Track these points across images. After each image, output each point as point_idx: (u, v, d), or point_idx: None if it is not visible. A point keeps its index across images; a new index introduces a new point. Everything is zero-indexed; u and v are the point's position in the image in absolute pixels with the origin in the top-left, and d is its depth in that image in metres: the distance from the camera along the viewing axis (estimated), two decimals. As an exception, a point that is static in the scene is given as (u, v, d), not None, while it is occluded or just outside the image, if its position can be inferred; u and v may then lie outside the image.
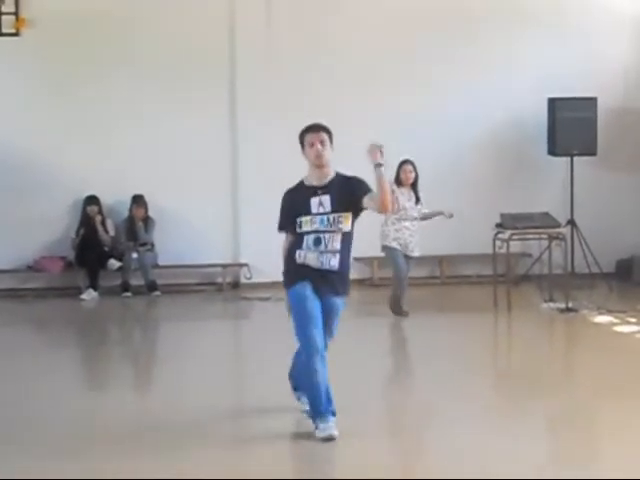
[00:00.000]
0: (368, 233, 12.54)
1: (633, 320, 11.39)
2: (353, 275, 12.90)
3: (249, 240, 13.61)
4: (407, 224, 11.69)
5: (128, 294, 13.48)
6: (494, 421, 7.72)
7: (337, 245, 7.08)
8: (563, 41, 14.10)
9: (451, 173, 13.98)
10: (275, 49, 13.70)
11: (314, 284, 7.06)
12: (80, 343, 11.60)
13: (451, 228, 13.64)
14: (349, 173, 7.24)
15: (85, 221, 13.69)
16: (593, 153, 13.73)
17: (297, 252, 7.09)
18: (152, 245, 13.73)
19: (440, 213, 11.94)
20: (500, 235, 12.23)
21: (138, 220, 13.67)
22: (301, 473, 6.72)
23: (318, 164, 7.11)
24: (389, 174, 11.30)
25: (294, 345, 7.27)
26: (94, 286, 13.43)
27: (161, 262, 13.77)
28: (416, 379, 9.37)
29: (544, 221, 12.36)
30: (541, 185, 14.09)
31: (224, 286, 13.77)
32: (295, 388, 7.59)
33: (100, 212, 13.68)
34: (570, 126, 13.55)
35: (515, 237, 12.25)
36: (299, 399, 7.51)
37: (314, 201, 7.07)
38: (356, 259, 13.38)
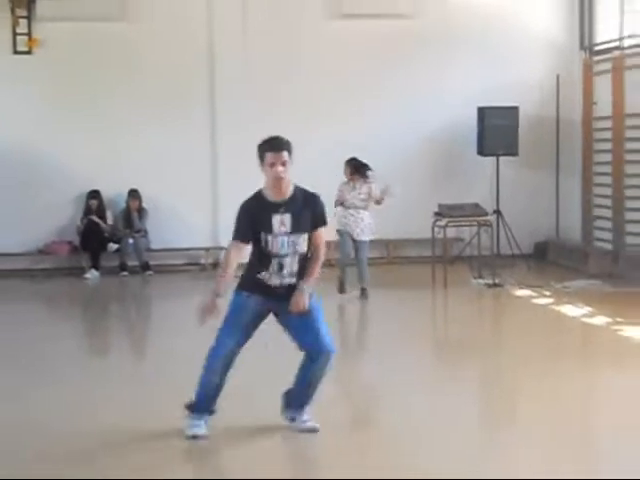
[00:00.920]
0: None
1: (548, 294, 11.43)
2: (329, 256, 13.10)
3: (227, 226, 13.42)
4: (352, 211, 11.50)
5: (125, 273, 13.38)
6: (430, 383, 7.69)
7: (295, 268, 5.99)
8: (489, 60, 14.12)
9: (397, 170, 13.90)
10: (251, 59, 13.63)
11: (270, 292, 6.01)
12: (84, 315, 11.51)
13: (397, 216, 13.70)
14: (309, 188, 6.13)
15: (88, 211, 13.58)
16: (515, 154, 13.73)
17: (263, 273, 5.99)
18: (145, 232, 13.63)
19: (385, 192, 11.60)
20: (438, 222, 12.22)
21: (133, 210, 13.57)
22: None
23: (278, 186, 5.95)
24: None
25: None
26: (96, 267, 13.32)
27: (153, 246, 13.68)
28: (361, 347, 9.28)
29: (474, 211, 12.38)
30: (472, 180, 14.09)
31: (207, 266, 13.69)
32: (287, 405, 6.24)
33: (100, 204, 13.58)
34: (496, 131, 13.54)
35: (450, 224, 12.24)
36: (293, 420, 6.19)
37: (276, 219, 5.94)
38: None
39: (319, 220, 6.07)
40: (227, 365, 6.01)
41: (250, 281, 6.06)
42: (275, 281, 6.00)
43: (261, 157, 5.97)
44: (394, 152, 13.96)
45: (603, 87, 13.41)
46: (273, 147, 5.96)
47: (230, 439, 6.06)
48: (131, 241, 13.43)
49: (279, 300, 6.01)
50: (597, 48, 13.93)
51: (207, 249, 13.78)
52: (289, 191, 6.00)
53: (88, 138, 13.58)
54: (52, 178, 13.49)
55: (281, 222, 5.94)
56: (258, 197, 6.04)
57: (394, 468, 5.55)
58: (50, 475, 5.50)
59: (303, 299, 5.94)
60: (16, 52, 13.45)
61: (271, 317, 6.12)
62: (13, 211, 13.42)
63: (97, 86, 13.56)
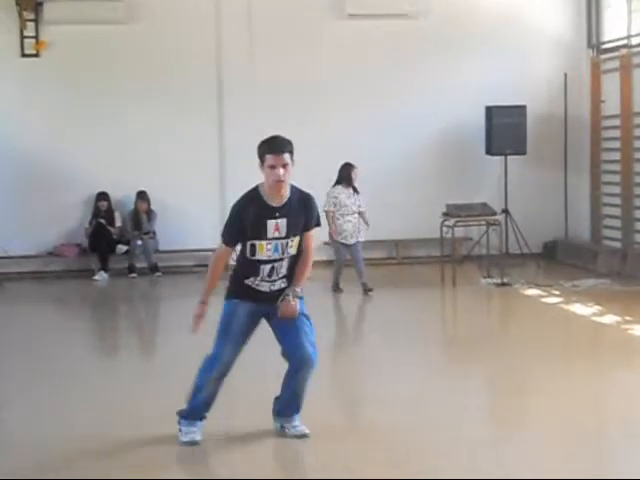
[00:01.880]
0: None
1: (557, 293, 11.40)
2: (323, 257, 13.14)
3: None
4: (349, 217, 11.57)
5: (134, 275, 13.40)
6: (439, 381, 7.68)
7: (284, 271, 5.80)
8: (497, 59, 14.10)
9: (405, 170, 14.01)
10: (257, 60, 13.64)
11: (260, 297, 5.84)
12: (93, 316, 11.53)
13: (405, 217, 13.73)
14: (304, 188, 5.93)
15: (97, 213, 13.60)
16: (523, 153, 13.71)
17: (251, 279, 5.81)
18: (154, 233, 13.65)
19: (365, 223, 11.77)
20: (446, 222, 12.21)
21: (142, 212, 13.59)
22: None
23: (277, 188, 5.71)
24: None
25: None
26: (105, 268, 13.34)
27: (161, 248, 13.70)
28: (371, 344, 9.23)
29: (483, 210, 12.36)
30: (480, 180, 14.07)
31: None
32: (277, 413, 6.10)
33: (109, 206, 13.61)
34: (504, 130, 13.53)
35: (459, 224, 12.23)
36: (282, 428, 6.05)
37: (271, 224, 5.69)
38: (325, 244, 13.40)
39: (312, 222, 5.89)
40: (223, 373, 5.90)
41: (238, 287, 5.88)
42: (264, 287, 5.83)
43: (261, 158, 5.72)
44: (402, 152, 13.98)
45: (611, 85, 13.39)
46: (273, 148, 5.69)
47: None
48: (140, 243, 13.46)
49: (270, 304, 5.84)
50: (605, 46, 13.91)
51: (215, 250, 13.76)
52: (287, 194, 5.76)
53: (96, 140, 13.61)
54: (60, 181, 13.53)
55: (276, 227, 5.71)
56: (255, 198, 5.75)
57: (401, 466, 5.55)
58: (60, 475, 5.51)
59: (293, 304, 5.78)
60: (24, 55, 13.48)
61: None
62: (22, 214, 13.45)
63: (104, 88, 13.59)
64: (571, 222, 14.30)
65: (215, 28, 13.72)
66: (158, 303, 12.48)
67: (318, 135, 13.49)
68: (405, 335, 9.43)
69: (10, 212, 13.35)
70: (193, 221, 13.68)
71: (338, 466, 5.57)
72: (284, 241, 5.76)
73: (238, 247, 5.93)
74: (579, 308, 10.42)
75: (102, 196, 13.56)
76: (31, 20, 13.41)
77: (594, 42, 14.08)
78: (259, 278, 5.81)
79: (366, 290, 11.53)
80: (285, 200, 5.76)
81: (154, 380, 7.83)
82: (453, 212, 12.20)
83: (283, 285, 5.85)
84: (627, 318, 9.73)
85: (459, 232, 12.65)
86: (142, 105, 13.62)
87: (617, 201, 13.31)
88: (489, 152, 13.75)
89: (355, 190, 11.69)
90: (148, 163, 13.65)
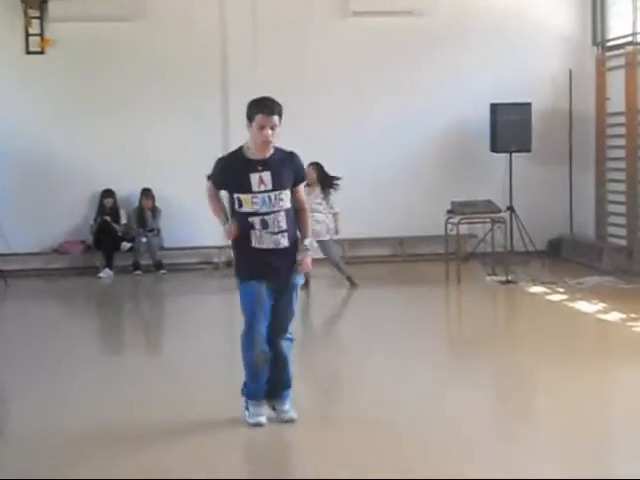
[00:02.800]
0: (339, 217, 12.64)
1: (562, 290, 11.40)
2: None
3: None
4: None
5: (138, 272, 13.41)
6: (444, 378, 7.69)
7: (283, 224, 5.95)
8: (501, 56, 14.08)
9: (410, 167, 14.00)
10: (262, 58, 13.62)
11: (269, 272, 6.00)
12: (98, 314, 11.55)
13: (410, 214, 13.74)
14: (287, 148, 6.16)
15: (102, 210, 13.61)
16: (528, 150, 13.70)
17: (252, 233, 5.94)
18: (159, 230, 13.66)
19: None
20: (451, 219, 12.21)
21: (147, 209, 13.61)
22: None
23: (264, 149, 5.95)
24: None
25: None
26: (110, 266, 13.36)
27: (166, 245, 13.71)
28: (376, 342, 9.21)
29: (487, 207, 12.35)
30: (485, 177, 14.05)
31: (220, 265, 13.71)
32: (268, 395, 6.24)
33: (114, 204, 13.62)
34: (509, 127, 13.52)
35: (463, 221, 12.23)
36: (273, 408, 6.26)
37: (254, 177, 5.89)
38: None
39: (300, 177, 6.10)
40: (261, 347, 6.01)
41: (246, 262, 6.04)
42: (268, 241, 5.94)
43: (250, 117, 5.92)
44: (406, 149, 13.97)
45: (616, 83, 13.37)
46: (265, 109, 5.89)
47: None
48: (144, 240, 13.47)
49: (276, 278, 6.01)
50: (610, 44, 13.89)
51: (220, 247, 13.79)
52: (270, 152, 5.97)
53: (101, 137, 13.62)
54: (65, 178, 13.54)
55: (260, 180, 5.89)
56: (237, 154, 6.02)
57: (406, 464, 5.55)
58: (68, 474, 5.52)
59: (308, 259, 6.03)
60: (29, 52, 13.50)
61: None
62: (27, 211, 13.47)
63: (109, 86, 13.61)
64: (576, 219, 14.30)
65: (220, 26, 13.73)
66: (163, 300, 12.49)
67: (321, 132, 13.48)
68: (409, 332, 9.43)
69: (14, 209, 13.36)
70: (198, 219, 13.61)
71: (342, 461, 5.58)
72: (272, 194, 5.92)
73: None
74: (584, 306, 10.41)
75: (107, 193, 13.58)
76: (36, 17, 13.42)
77: (599, 39, 14.06)
78: (257, 232, 5.94)
79: (351, 282, 11.67)
80: (268, 155, 5.96)
81: (160, 376, 7.84)
82: (458, 209, 12.20)
83: (284, 241, 5.96)
84: (632, 316, 9.72)
85: (464, 229, 12.65)
86: (147, 102, 13.63)
87: (622, 198, 13.29)
88: (494, 149, 13.74)
89: (325, 189, 11.63)
90: (153, 160, 13.65)
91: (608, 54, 13.81)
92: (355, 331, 9.74)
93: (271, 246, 5.96)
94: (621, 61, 13.23)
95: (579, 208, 14.26)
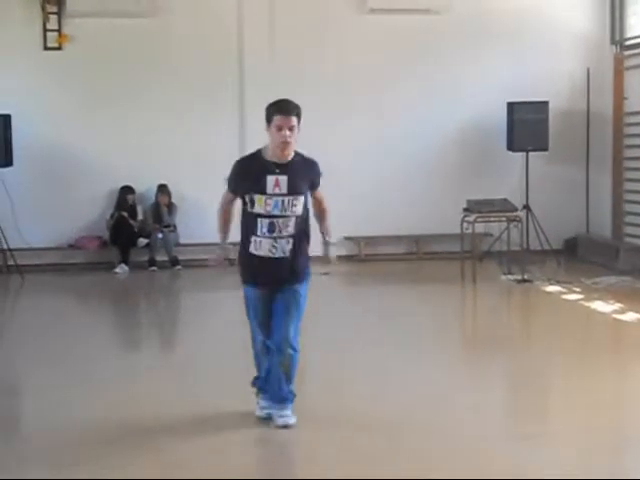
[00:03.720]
0: (356, 215, 12.65)
1: (578, 290, 11.36)
2: (343, 252, 13.15)
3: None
4: None
5: (154, 268, 13.44)
6: (459, 377, 7.67)
7: (291, 229, 5.91)
8: (519, 54, 14.05)
9: (426, 165, 13.99)
10: (278, 54, 13.59)
11: (267, 279, 6.00)
12: (113, 309, 11.56)
13: (426, 212, 13.73)
14: (307, 154, 6.14)
15: (122, 206, 13.63)
16: (545, 149, 13.66)
17: (252, 239, 5.96)
18: (174, 226, 13.68)
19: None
20: (467, 218, 12.18)
21: (163, 205, 13.62)
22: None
23: (283, 149, 5.89)
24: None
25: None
26: (125, 261, 13.39)
27: (182, 241, 13.72)
28: (390, 341, 9.18)
29: (503, 206, 12.32)
30: (501, 176, 14.02)
31: (235, 261, 13.67)
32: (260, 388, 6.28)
33: (134, 199, 13.64)
34: (525, 126, 13.48)
35: (479, 220, 12.19)
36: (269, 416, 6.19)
37: (270, 179, 5.84)
38: (346, 238, 13.40)
39: (316, 182, 6.10)
40: (265, 347, 6.07)
41: (245, 266, 6.09)
42: (265, 248, 5.93)
43: (268, 119, 5.91)
44: (423, 147, 13.96)
45: (634, 82, 13.32)
46: (282, 110, 5.88)
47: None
48: (160, 236, 13.49)
49: (274, 286, 5.99)
50: (628, 43, 13.83)
51: (235, 244, 13.77)
52: (290, 155, 5.92)
53: (118, 133, 13.64)
54: (82, 173, 13.56)
55: (276, 183, 5.85)
56: (256, 155, 5.99)
57: (419, 464, 5.54)
58: (78, 463, 5.53)
59: (330, 253, 6.14)
60: (46, 48, 13.52)
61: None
62: (43, 206, 13.50)
63: (127, 81, 13.62)
64: (592, 219, 14.25)
65: (237, 22, 13.73)
66: (178, 296, 12.51)
67: (337, 130, 13.48)
68: (424, 331, 9.41)
69: (31, 204, 13.40)
70: (214, 215, 13.60)
71: (354, 460, 5.57)
72: (286, 198, 5.87)
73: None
74: (600, 305, 10.37)
75: (129, 190, 13.58)
76: (54, 13, 13.44)
77: (617, 38, 14.00)
78: (259, 235, 5.92)
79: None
80: (287, 160, 5.91)
81: (174, 371, 7.85)
82: (474, 208, 12.17)
83: (287, 248, 5.92)
84: (648, 316, 9.69)
85: (479, 228, 12.60)
86: (164, 98, 13.64)
87: (639, 198, 13.23)
88: (510, 148, 13.70)
89: None
90: (169, 156, 13.67)
91: (626, 53, 13.75)
92: (369, 329, 9.71)
93: (268, 254, 5.95)
94: (639, 60, 13.16)
95: (596, 207, 14.21)
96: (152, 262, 13.48)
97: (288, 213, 5.89)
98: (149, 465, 5.55)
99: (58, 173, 13.53)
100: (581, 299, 10.80)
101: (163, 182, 13.61)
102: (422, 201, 13.92)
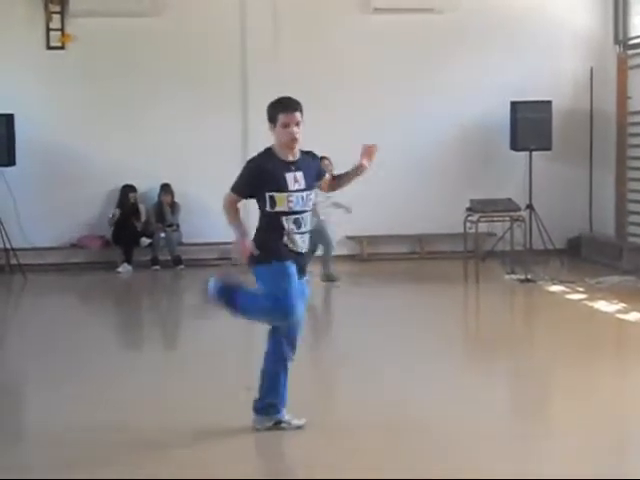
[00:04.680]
0: (358, 215, 12.63)
1: (581, 289, 11.34)
2: (344, 251, 13.16)
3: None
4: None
5: (157, 267, 13.43)
6: (462, 377, 7.65)
7: (309, 225, 6.02)
8: (523, 54, 14.03)
9: (429, 164, 13.98)
10: (283, 55, 13.60)
11: (298, 269, 6.00)
12: (116, 309, 11.57)
13: (429, 211, 13.71)
14: (306, 149, 6.16)
15: (124, 204, 13.62)
16: (548, 148, 13.64)
17: (284, 235, 5.89)
18: (177, 226, 13.68)
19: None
20: (470, 217, 12.16)
21: (166, 205, 13.62)
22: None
23: (292, 147, 5.92)
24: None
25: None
26: (128, 261, 13.39)
27: (185, 240, 13.72)
28: (393, 340, 9.17)
29: (507, 206, 12.30)
30: (504, 175, 13.99)
31: (238, 260, 13.69)
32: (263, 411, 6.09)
33: (136, 199, 13.64)
34: (529, 125, 13.46)
35: (482, 219, 12.17)
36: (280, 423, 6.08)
37: (289, 176, 5.87)
38: (348, 238, 13.40)
39: (322, 173, 6.20)
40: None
41: (275, 249, 5.93)
42: (299, 241, 5.94)
43: (272, 118, 5.94)
44: (426, 147, 13.94)
45: (637, 81, 13.29)
46: (286, 108, 5.93)
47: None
48: (163, 235, 13.49)
49: (301, 267, 6.02)
50: (632, 42, 13.80)
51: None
52: (298, 151, 5.98)
53: (121, 132, 13.64)
54: (84, 173, 13.56)
55: (295, 179, 5.89)
56: (269, 154, 5.96)
57: (422, 464, 5.53)
58: (80, 473, 5.53)
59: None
60: (49, 47, 13.53)
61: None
62: (46, 206, 13.50)
63: (129, 81, 13.62)
64: (596, 218, 14.22)
65: (240, 21, 13.74)
66: (181, 296, 12.50)
67: (340, 128, 13.45)
68: (427, 330, 9.40)
69: (33, 203, 13.40)
70: (216, 214, 13.36)
71: (358, 460, 5.55)
72: (304, 193, 5.93)
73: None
74: (603, 305, 10.35)
75: (130, 188, 13.59)
76: (57, 13, 13.45)
77: (621, 37, 13.98)
78: (288, 232, 5.89)
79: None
80: (297, 156, 5.97)
81: (177, 372, 7.84)
82: (477, 207, 12.15)
83: (307, 242, 6.01)
84: (652, 315, 9.67)
85: (483, 227, 12.59)
86: (166, 98, 13.64)
87: (643, 198, 13.23)
88: (514, 147, 13.68)
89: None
90: (172, 156, 13.66)
91: (630, 52, 13.73)
92: (371, 329, 9.71)
93: (299, 249, 5.96)
94: (643, 60, 13.15)
95: (599, 207, 14.18)
96: (155, 261, 13.47)
97: (307, 207, 5.97)
98: (149, 465, 5.54)
99: (61, 172, 13.53)
100: (584, 299, 10.78)
101: (166, 181, 13.61)
102: (425, 200, 13.91)
